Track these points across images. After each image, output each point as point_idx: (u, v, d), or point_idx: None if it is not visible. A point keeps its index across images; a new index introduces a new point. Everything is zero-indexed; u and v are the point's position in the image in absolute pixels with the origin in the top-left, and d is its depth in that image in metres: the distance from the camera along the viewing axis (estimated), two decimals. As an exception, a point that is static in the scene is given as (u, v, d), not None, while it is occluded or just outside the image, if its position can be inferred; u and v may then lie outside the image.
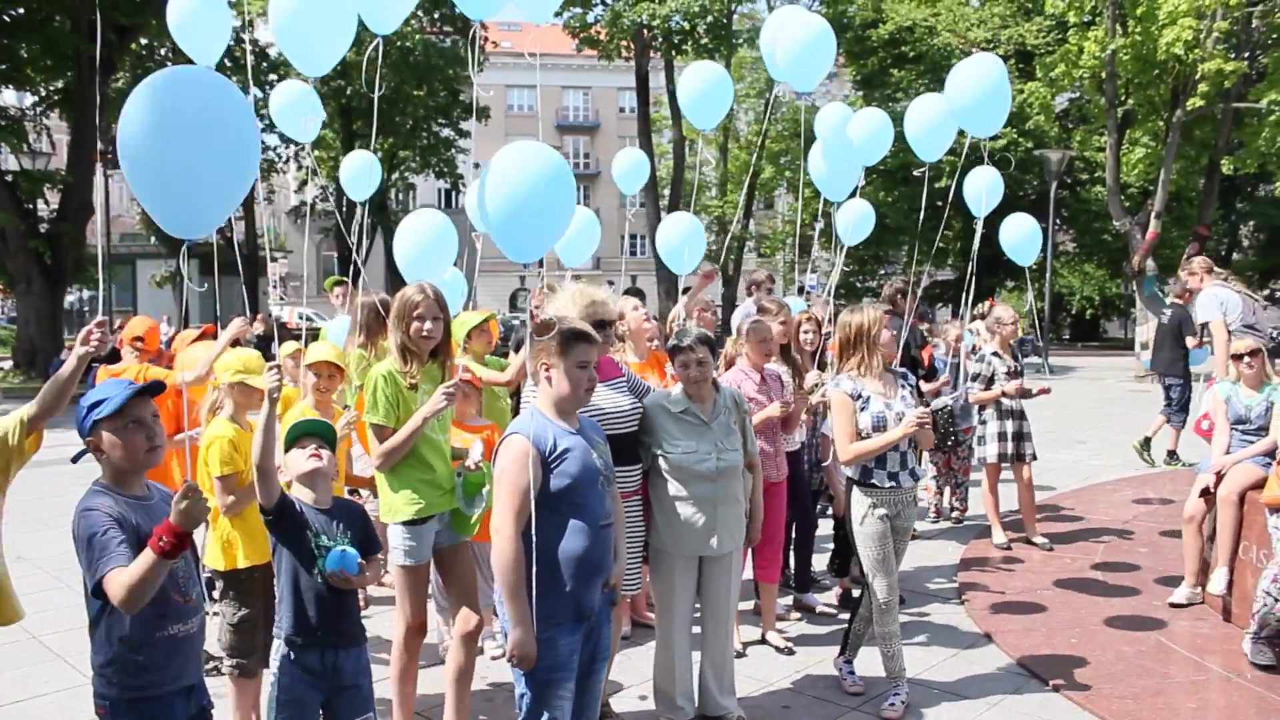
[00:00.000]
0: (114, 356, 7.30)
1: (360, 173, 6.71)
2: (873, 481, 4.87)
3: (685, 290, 7.26)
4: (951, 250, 36.65)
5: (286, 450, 3.66)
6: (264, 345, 20.47)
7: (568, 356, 3.53)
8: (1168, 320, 12.35)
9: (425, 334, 4.41)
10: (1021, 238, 7.12)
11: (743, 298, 9.20)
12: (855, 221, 7.31)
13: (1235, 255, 41.56)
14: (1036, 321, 34.57)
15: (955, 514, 8.91)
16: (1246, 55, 22.84)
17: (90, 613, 3.01)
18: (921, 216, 7.53)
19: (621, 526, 3.87)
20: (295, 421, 3.87)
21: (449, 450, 4.54)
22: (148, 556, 2.72)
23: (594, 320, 4.25)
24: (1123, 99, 24.07)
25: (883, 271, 41.38)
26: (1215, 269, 8.90)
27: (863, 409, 4.84)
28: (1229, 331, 8.20)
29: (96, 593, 2.87)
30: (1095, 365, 29.17)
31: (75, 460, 3.28)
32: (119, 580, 2.75)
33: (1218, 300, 8.38)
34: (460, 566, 4.57)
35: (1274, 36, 22.85)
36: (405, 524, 4.32)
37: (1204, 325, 9.07)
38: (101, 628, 2.98)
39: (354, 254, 5.91)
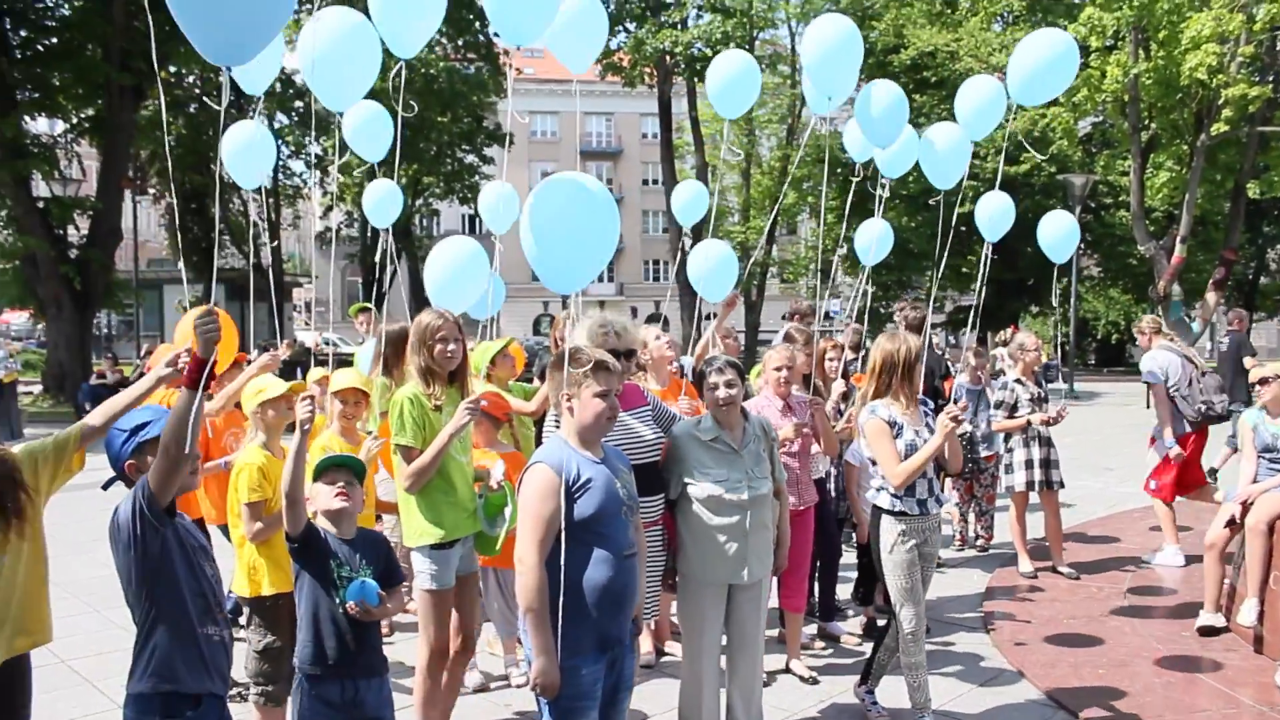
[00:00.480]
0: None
1: (383, 201, 6.78)
2: (902, 509, 4.86)
3: (709, 317, 7.27)
4: (975, 275, 36.53)
5: (314, 481, 3.70)
6: (291, 370, 20.61)
7: (587, 386, 3.56)
8: (1226, 347, 12.50)
9: (449, 355, 4.48)
10: (1058, 235, 7.12)
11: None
12: (875, 242, 7.30)
13: (1263, 279, 41.26)
14: (1060, 347, 34.44)
15: (980, 542, 8.86)
16: (1271, 79, 22.76)
17: (136, 617, 3.13)
18: (939, 244, 7.49)
19: (644, 556, 3.88)
20: (325, 455, 3.90)
21: (471, 472, 4.59)
22: (182, 395, 2.96)
23: (615, 349, 4.29)
24: (1146, 123, 24.01)
25: (906, 296, 41.32)
26: (1163, 329, 9.00)
27: (897, 436, 4.84)
28: (1170, 395, 8.29)
29: (148, 497, 3.02)
30: (1121, 391, 28.94)
31: (106, 487, 3.34)
32: (164, 436, 2.98)
33: (1159, 364, 8.39)
34: (468, 595, 4.67)
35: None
36: (430, 548, 4.36)
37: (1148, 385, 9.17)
38: (149, 629, 3.10)
39: (376, 281, 5.98)
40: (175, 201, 33.91)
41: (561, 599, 3.36)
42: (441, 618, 4.44)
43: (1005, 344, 9.47)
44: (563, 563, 3.36)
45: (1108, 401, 25.70)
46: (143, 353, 25.43)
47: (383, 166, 34.23)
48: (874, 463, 4.96)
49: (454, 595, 4.61)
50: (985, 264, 6.34)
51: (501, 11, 4.33)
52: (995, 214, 7.08)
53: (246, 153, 5.64)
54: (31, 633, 3.47)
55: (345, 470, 3.70)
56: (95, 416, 3.66)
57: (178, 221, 33.78)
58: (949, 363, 9.51)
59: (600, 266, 3.82)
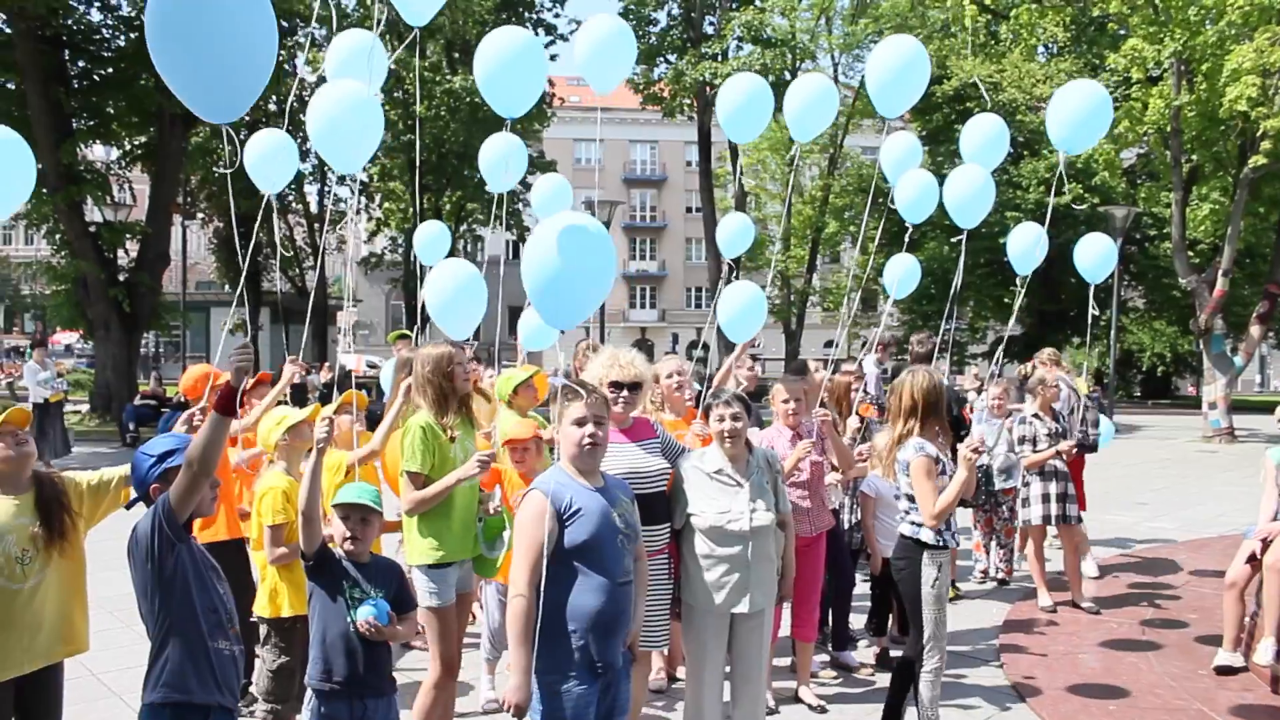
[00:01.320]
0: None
1: (433, 240, 7.16)
2: (942, 543, 4.95)
3: (701, 348, 7.45)
4: (1020, 305, 36.29)
5: (333, 505, 3.83)
6: (329, 393, 20.95)
7: (566, 415, 3.73)
8: None
9: (465, 379, 4.77)
10: (1097, 258, 7.19)
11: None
12: (903, 276, 7.39)
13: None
14: (1101, 379, 34.03)
15: (1001, 575, 8.85)
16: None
17: (150, 630, 3.31)
18: (957, 277, 7.55)
19: (643, 585, 3.99)
20: (345, 486, 4.02)
21: (474, 496, 4.76)
22: (211, 418, 3.19)
23: (619, 381, 4.44)
24: (1188, 155, 23.84)
25: (946, 327, 41.07)
26: (1061, 360, 9.56)
27: (942, 473, 4.94)
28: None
29: (166, 511, 3.22)
30: (1164, 424, 28.61)
31: (129, 507, 3.53)
32: (189, 452, 3.20)
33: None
34: (459, 615, 4.81)
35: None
36: (429, 567, 4.54)
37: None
38: (162, 640, 3.28)
39: (419, 307, 6.15)
40: (234, 228, 34.56)
41: (543, 621, 3.50)
42: (447, 633, 4.60)
43: (1026, 378, 9.50)
44: (543, 586, 3.50)
45: (1148, 435, 25.42)
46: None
47: (428, 194, 34.62)
48: (911, 499, 5.02)
49: None
50: (1019, 296, 6.41)
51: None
52: (1026, 246, 7.17)
53: (268, 158, 5.80)
54: (69, 642, 3.81)
55: (359, 508, 3.82)
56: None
57: (236, 242, 34.46)
58: (962, 393, 9.58)
59: (595, 305, 3.93)
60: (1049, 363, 9.37)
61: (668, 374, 5.94)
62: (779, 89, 7.64)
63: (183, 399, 5.95)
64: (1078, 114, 6.13)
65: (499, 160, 6.28)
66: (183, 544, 3.28)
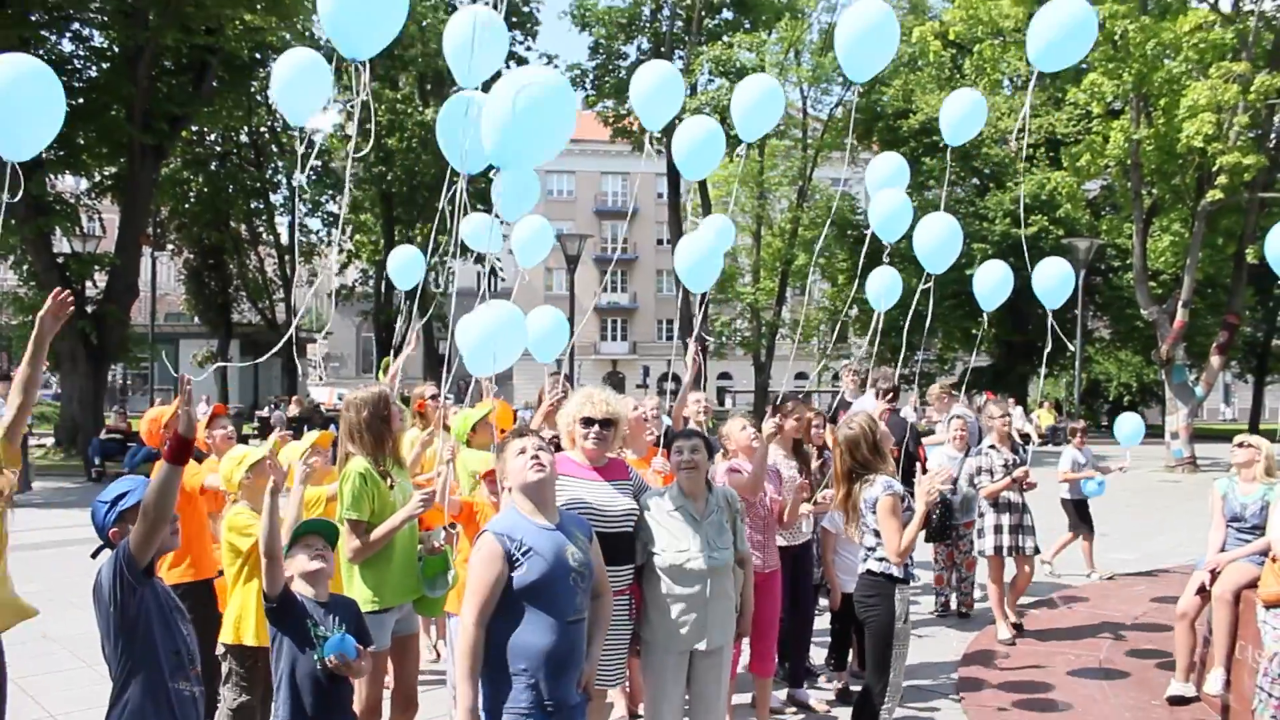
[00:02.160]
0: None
1: (406, 265, 7.19)
2: (910, 576, 5.04)
3: (671, 380, 7.54)
4: (984, 337, 36.66)
5: (291, 545, 3.89)
6: (299, 427, 20.88)
7: (509, 450, 3.84)
8: None
9: (399, 428, 4.85)
10: (1054, 281, 7.35)
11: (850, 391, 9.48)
12: (885, 288, 7.45)
13: (1275, 340, 41.13)
14: (1060, 409, 34.40)
15: (961, 608, 8.96)
16: (1271, 146, 23.02)
17: (113, 671, 3.34)
18: (927, 316, 7.68)
19: (601, 623, 4.05)
20: (302, 520, 4.09)
21: (414, 539, 4.82)
22: (162, 467, 3.25)
23: (590, 418, 4.51)
24: (1149, 187, 24.28)
25: (916, 357, 41.40)
26: (952, 393, 9.88)
27: (907, 509, 5.03)
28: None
29: (127, 557, 3.26)
30: (1130, 454, 28.81)
31: (95, 555, 3.58)
32: (144, 500, 3.26)
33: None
34: (407, 656, 4.89)
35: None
36: (367, 614, 4.59)
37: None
38: (124, 682, 3.31)
39: (393, 339, 6.21)
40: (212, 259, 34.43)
41: (492, 659, 3.59)
42: (374, 677, 4.62)
43: (979, 411, 9.71)
44: (489, 625, 3.61)
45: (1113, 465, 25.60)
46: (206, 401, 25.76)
47: (400, 225, 34.58)
48: (877, 535, 5.07)
49: (393, 655, 4.83)
50: (981, 334, 6.58)
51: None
52: (993, 284, 7.34)
53: (297, 83, 5.79)
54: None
55: (319, 536, 3.91)
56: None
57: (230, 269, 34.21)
58: (918, 427, 9.72)
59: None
60: (943, 396, 9.66)
61: (634, 407, 6.00)
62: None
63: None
64: (1058, 31, 5.96)
65: (465, 41, 5.35)
66: (144, 587, 3.33)
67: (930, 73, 35.01)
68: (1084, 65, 22.81)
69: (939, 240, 6.80)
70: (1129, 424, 9.57)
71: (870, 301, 7.53)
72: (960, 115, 6.81)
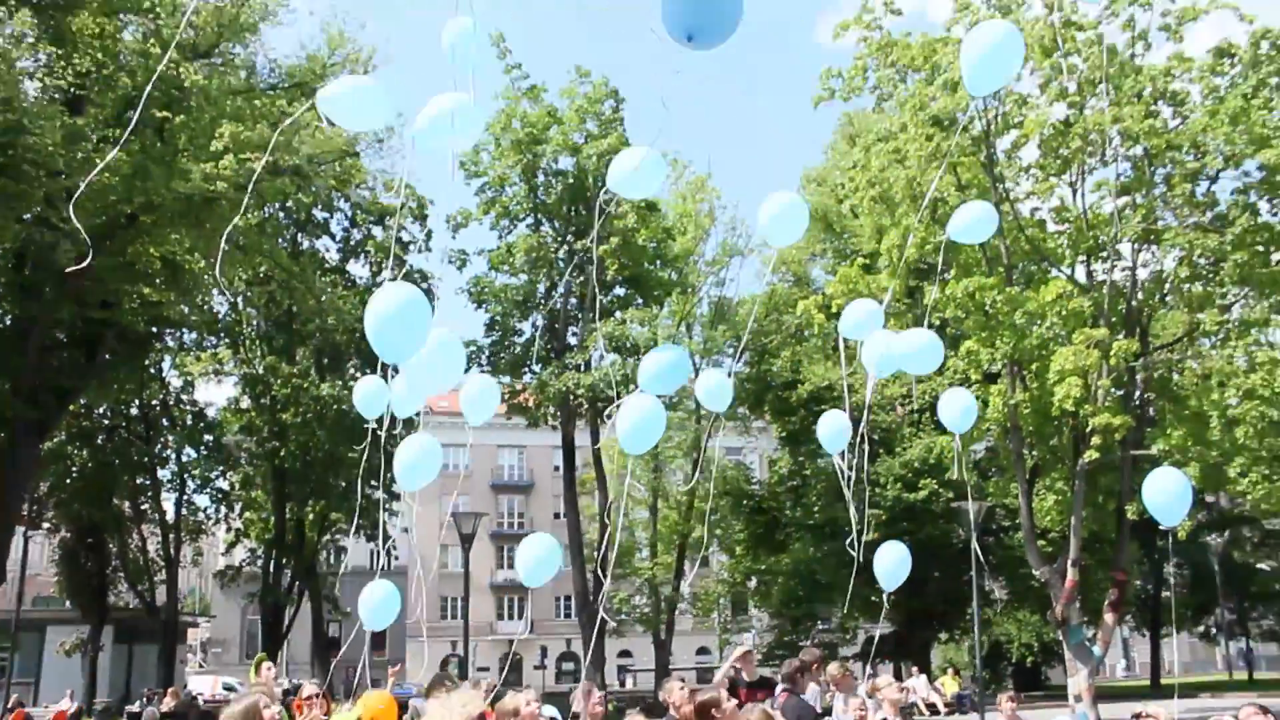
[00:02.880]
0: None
1: (371, 394, 6.99)
2: None
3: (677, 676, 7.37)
4: (884, 605, 36.69)
5: None
6: None
7: None
8: None
9: None
10: (892, 565, 7.47)
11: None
12: (894, 566, 7.57)
13: (1164, 593, 42.00)
14: (959, 672, 34.21)
15: None
16: (1137, 405, 24.36)
17: None
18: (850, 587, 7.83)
19: None
20: None
21: None
22: None
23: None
24: (1029, 449, 25.27)
25: (819, 626, 41.10)
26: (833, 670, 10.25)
27: None
28: None
29: None
30: (1037, 718, 28.47)
31: None
32: None
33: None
34: None
35: (1159, 389, 24.44)
36: None
37: None
38: None
39: (278, 622, 5.98)
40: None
41: None
42: None
43: (872, 692, 9.77)
44: None
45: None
46: (7, 706, 23.80)
47: (290, 503, 33.99)
48: None
49: None
50: (884, 611, 6.64)
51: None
52: (893, 564, 7.52)
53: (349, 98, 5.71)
54: None
55: None
56: None
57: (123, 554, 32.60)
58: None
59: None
60: (843, 676, 10.03)
61: (526, 703, 5.89)
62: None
63: None
64: (986, 51, 5.98)
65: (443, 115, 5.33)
66: None
67: (815, 344, 36.63)
68: (959, 333, 24.26)
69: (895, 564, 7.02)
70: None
71: (881, 581, 7.64)
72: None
